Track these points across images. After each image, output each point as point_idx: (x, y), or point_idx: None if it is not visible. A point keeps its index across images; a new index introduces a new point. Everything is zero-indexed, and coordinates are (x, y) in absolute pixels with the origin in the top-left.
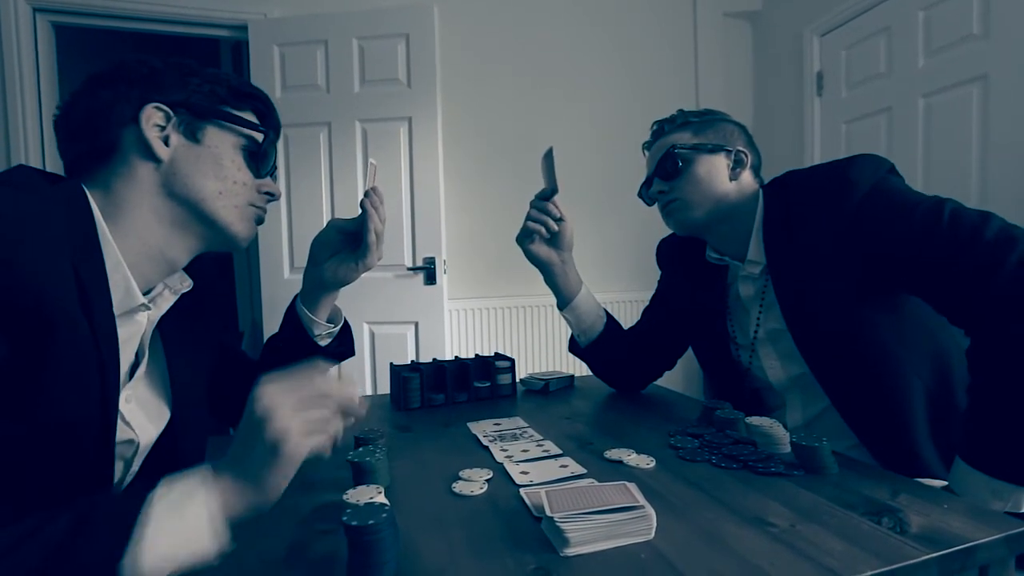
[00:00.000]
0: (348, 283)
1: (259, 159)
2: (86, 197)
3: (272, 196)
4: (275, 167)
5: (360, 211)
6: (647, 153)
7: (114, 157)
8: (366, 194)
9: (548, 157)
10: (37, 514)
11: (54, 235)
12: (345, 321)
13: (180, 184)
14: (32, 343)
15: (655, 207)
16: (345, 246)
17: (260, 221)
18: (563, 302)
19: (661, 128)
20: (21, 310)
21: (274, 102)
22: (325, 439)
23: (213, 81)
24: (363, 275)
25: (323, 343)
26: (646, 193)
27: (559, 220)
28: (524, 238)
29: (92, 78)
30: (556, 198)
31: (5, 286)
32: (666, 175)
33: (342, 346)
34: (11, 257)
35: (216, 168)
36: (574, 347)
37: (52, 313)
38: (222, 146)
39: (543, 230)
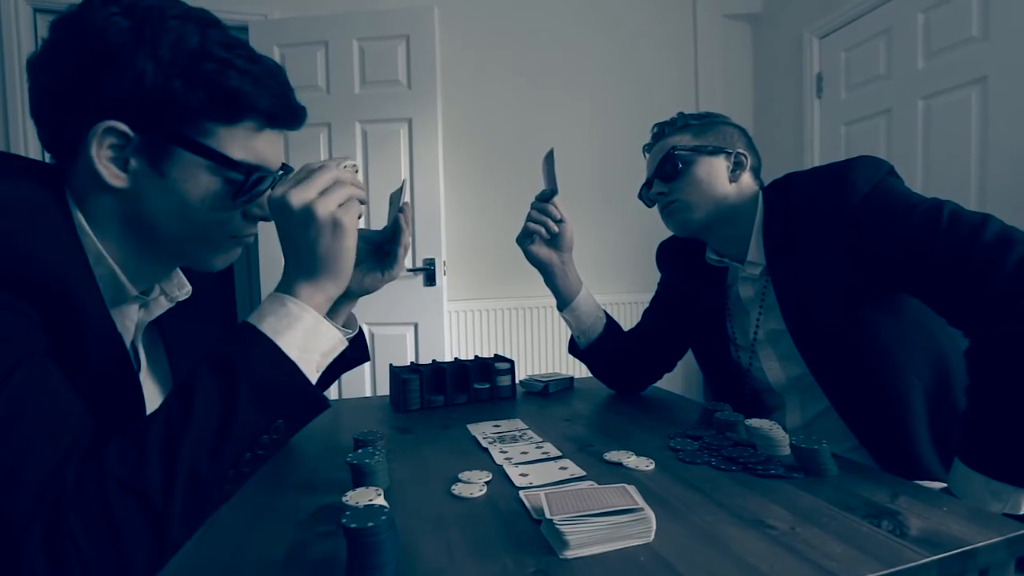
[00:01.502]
0: (372, 292)
1: (246, 187)
2: (64, 193)
3: (265, 218)
4: (280, 177)
5: (388, 223)
6: (647, 155)
7: (77, 163)
8: (400, 209)
9: (549, 158)
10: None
11: (42, 222)
12: (359, 327)
13: (142, 220)
14: (63, 334)
15: (654, 208)
16: (369, 256)
17: (245, 244)
18: (563, 303)
19: (661, 130)
20: (45, 288)
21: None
22: (358, 206)
23: (198, 82)
24: None
25: None
26: (646, 195)
27: (559, 221)
28: (524, 239)
29: (52, 44)
30: (556, 199)
31: (33, 279)
32: (666, 176)
33: (357, 351)
34: (31, 247)
35: (181, 209)
36: (574, 348)
37: (77, 305)
38: (191, 182)
39: (543, 231)
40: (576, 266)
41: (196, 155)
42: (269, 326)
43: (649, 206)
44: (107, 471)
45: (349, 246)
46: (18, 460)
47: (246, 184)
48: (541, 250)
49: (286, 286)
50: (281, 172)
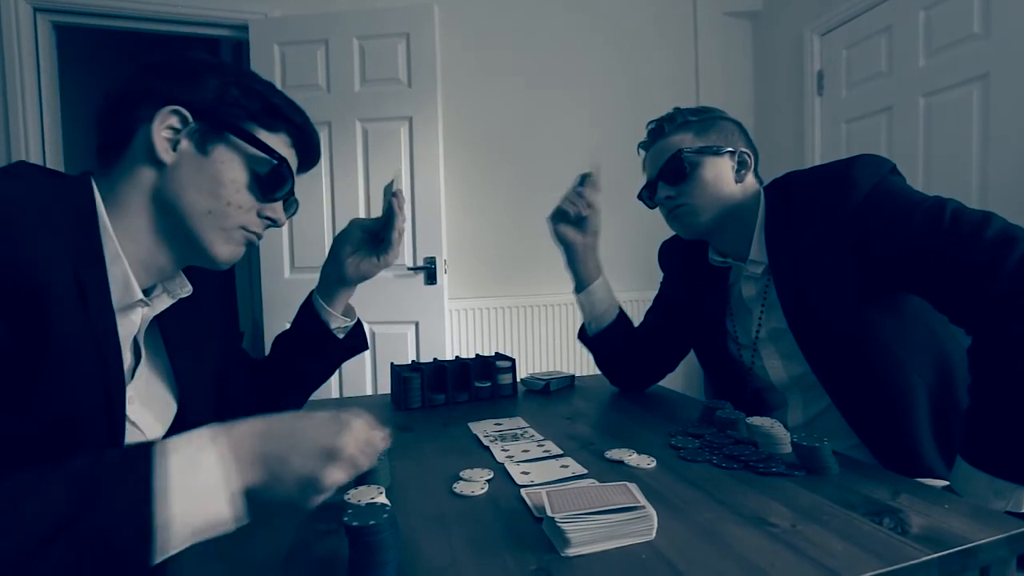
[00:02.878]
0: (369, 278)
1: (268, 184)
2: (91, 190)
3: (273, 223)
4: (292, 195)
5: (383, 211)
6: (643, 153)
7: (124, 154)
8: (394, 195)
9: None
10: (25, 474)
11: (54, 225)
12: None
13: (172, 193)
14: (29, 331)
15: (655, 207)
16: (366, 244)
17: (252, 243)
18: (580, 285)
19: (660, 128)
20: (18, 294)
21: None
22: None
23: (252, 95)
24: None
25: (339, 337)
26: (648, 197)
27: (589, 206)
28: (554, 216)
29: (145, 66)
30: (591, 190)
31: (1, 269)
32: (671, 179)
33: (356, 340)
34: (6, 239)
35: (213, 185)
36: (583, 335)
37: (48, 301)
38: (228, 164)
39: (573, 210)
40: None
41: (243, 141)
42: (164, 479)
43: (651, 207)
44: None
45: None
46: None
47: (272, 174)
48: (568, 230)
49: (244, 440)
50: (293, 195)
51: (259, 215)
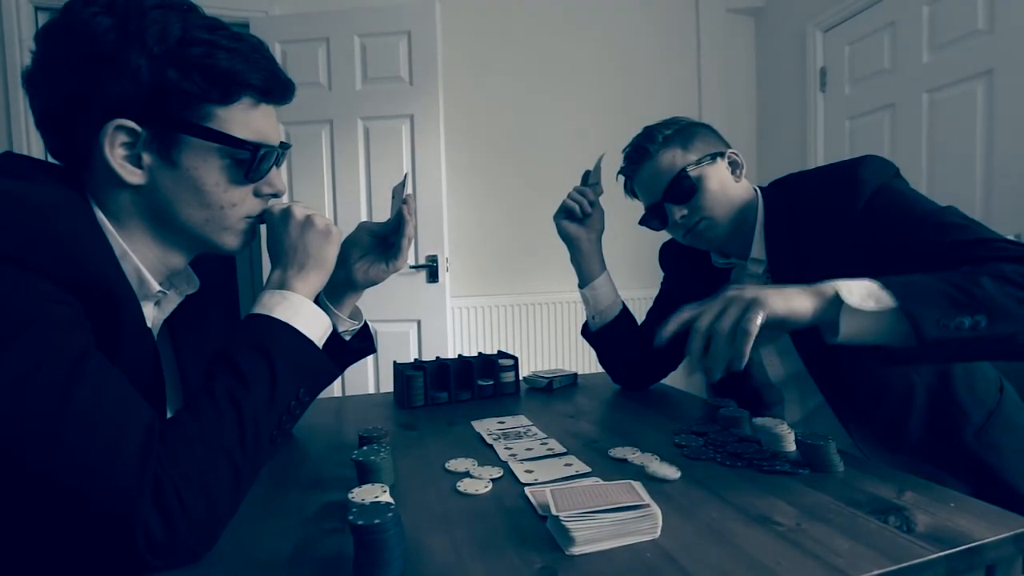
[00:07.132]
0: (377, 283)
1: (253, 167)
2: (84, 190)
3: (274, 195)
4: (281, 154)
5: (392, 216)
6: (630, 180)
7: (90, 167)
8: (404, 201)
9: (598, 163)
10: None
11: (78, 220)
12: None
13: (162, 211)
14: (102, 327)
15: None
16: (374, 248)
17: (263, 221)
18: (583, 281)
19: (644, 150)
20: (96, 296)
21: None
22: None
23: (191, 69)
24: None
25: (346, 339)
26: (657, 221)
27: (592, 204)
28: (559, 214)
29: (44, 55)
30: (592, 191)
31: (79, 274)
32: (681, 198)
33: (364, 342)
34: (74, 245)
35: (199, 196)
36: (585, 331)
37: (116, 299)
38: (203, 168)
39: (578, 208)
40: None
41: (203, 139)
42: (282, 314)
43: (657, 229)
44: (192, 436)
45: (334, 252)
46: (119, 433)
47: (254, 161)
48: (571, 227)
49: (281, 283)
50: (281, 148)
51: (256, 194)
